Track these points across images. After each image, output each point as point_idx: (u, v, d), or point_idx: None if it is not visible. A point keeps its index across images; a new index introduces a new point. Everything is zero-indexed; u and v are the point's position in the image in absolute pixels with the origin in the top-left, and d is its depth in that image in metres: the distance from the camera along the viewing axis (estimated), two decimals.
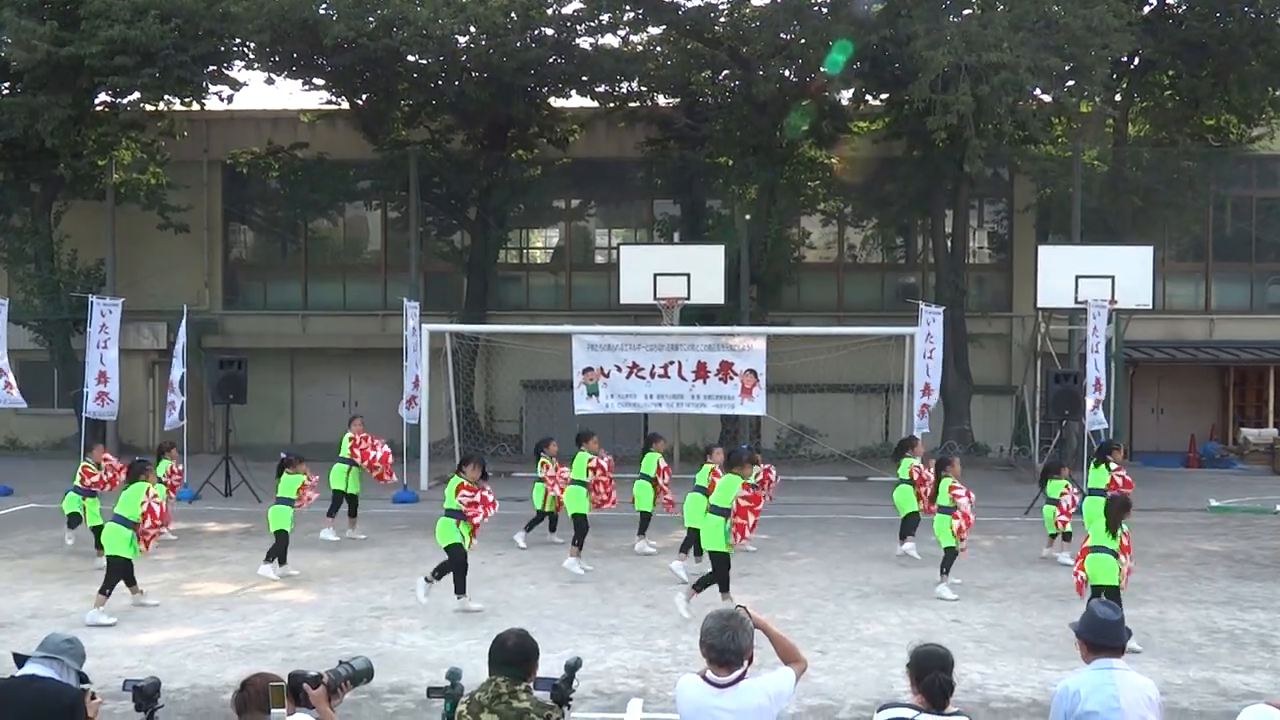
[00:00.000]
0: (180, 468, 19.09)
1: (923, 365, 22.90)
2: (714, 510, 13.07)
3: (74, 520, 16.48)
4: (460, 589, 13.08)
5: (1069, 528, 16.13)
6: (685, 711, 5.56)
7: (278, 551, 14.91)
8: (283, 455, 15.83)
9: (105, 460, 16.85)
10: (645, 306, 25.63)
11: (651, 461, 16.59)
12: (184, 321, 23.22)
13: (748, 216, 27.92)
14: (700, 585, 12.95)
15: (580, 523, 15.75)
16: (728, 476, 13.10)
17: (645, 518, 16.70)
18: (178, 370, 22.82)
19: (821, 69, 25.32)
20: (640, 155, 30.62)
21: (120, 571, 12.96)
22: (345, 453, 18.00)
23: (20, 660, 6.14)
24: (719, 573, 12.93)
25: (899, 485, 16.38)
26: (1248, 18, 26.08)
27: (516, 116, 29.36)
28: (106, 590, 12.79)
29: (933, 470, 15.35)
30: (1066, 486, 16.27)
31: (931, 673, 5.41)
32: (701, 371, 23.24)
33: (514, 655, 5.34)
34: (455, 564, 13.06)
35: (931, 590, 14.29)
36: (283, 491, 15.16)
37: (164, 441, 19.55)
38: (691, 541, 15.15)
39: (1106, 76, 25.04)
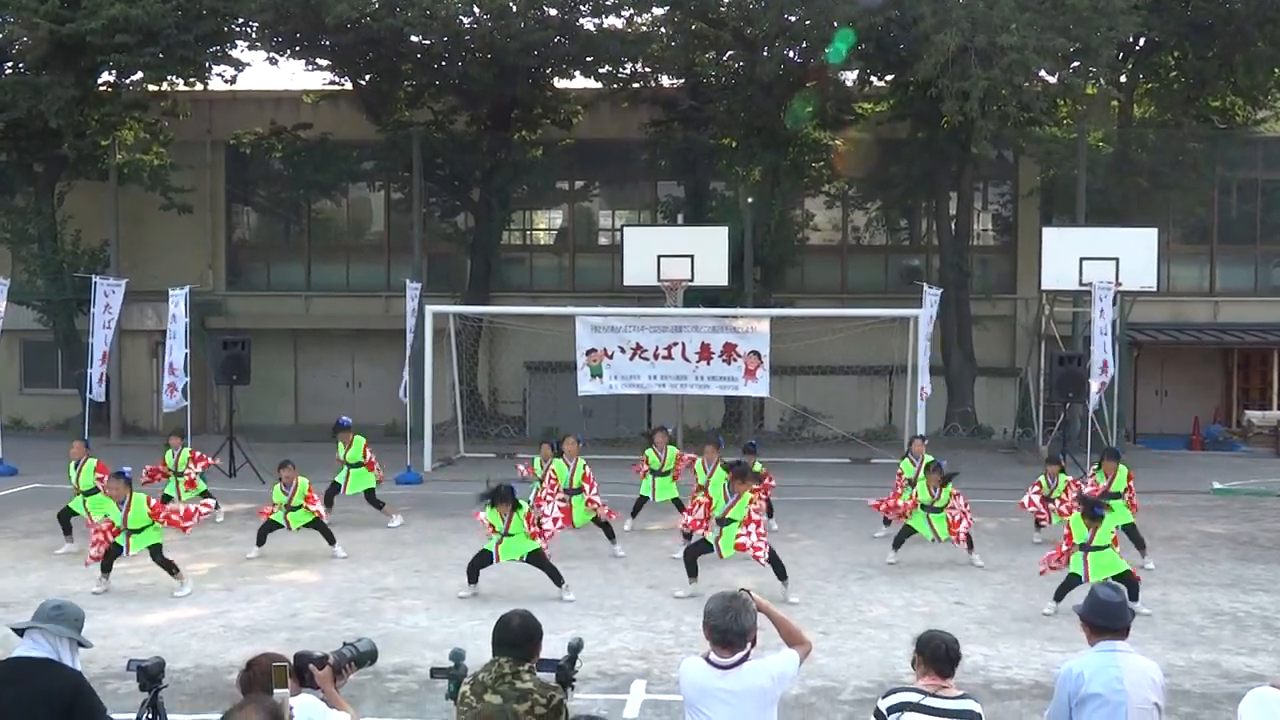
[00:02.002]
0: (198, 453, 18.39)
1: (924, 346, 22.89)
2: (726, 521, 13.02)
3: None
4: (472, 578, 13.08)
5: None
6: (688, 693, 5.58)
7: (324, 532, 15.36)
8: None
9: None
10: (649, 288, 25.60)
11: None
12: (185, 301, 23.17)
13: (751, 199, 27.86)
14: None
15: None
16: (744, 495, 13.01)
17: (640, 500, 17.13)
18: (180, 351, 22.82)
19: (825, 56, 25.22)
20: (644, 136, 30.51)
21: (162, 553, 13.34)
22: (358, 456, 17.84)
23: (19, 633, 5.87)
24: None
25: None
26: None
27: (520, 97, 29.28)
28: (174, 570, 13.27)
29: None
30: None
31: (936, 641, 5.48)
32: (705, 353, 23.19)
33: (518, 636, 5.35)
34: (547, 566, 13.03)
35: (934, 572, 14.35)
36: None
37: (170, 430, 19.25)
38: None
39: (1112, 58, 24.95)
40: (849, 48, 24.36)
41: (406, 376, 23.06)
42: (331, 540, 15.26)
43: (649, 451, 17.12)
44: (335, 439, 17.71)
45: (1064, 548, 12.40)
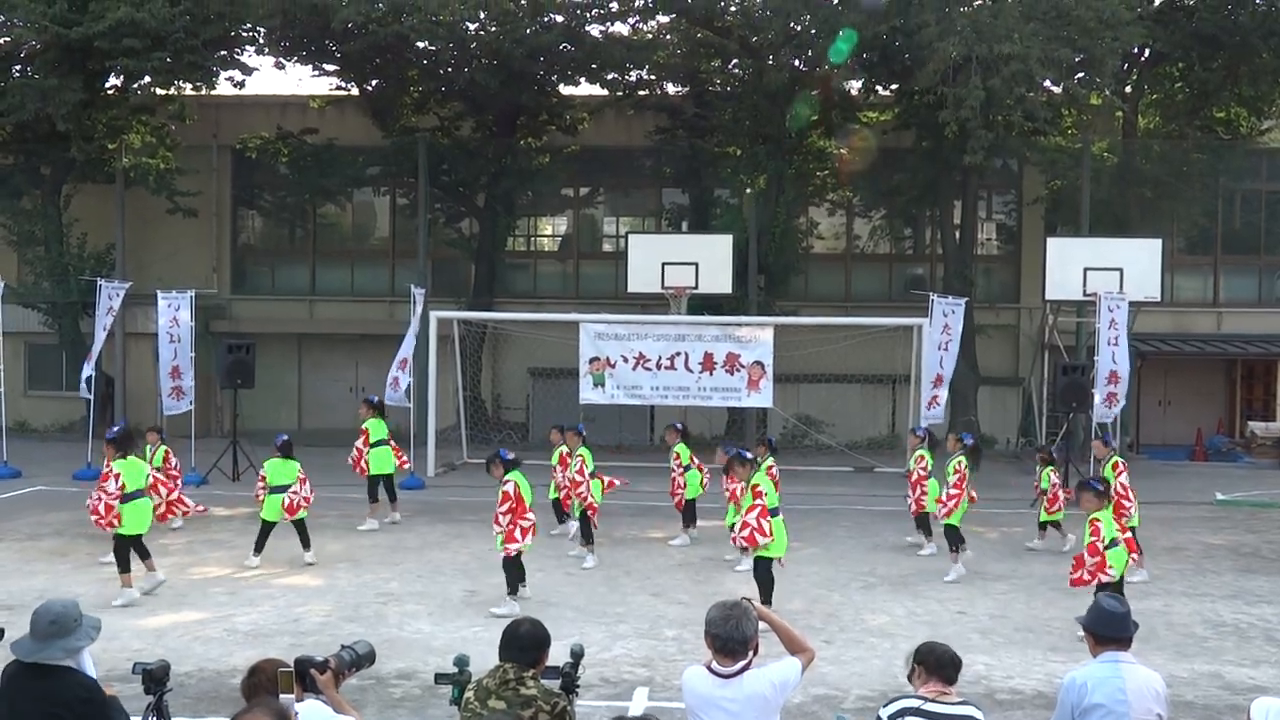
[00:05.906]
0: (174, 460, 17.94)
1: (937, 357, 22.77)
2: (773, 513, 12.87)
3: None
4: (510, 589, 12.92)
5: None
6: (690, 702, 5.59)
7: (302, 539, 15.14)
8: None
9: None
10: (653, 295, 25.64)
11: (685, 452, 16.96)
12: (190, 304, 23.19)
13: (756, 206, 27.89)
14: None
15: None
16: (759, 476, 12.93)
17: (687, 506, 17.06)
18: (185, 355, 22.83)
19: (828, 57, 25.25)
20: (649, 144, 30.59)
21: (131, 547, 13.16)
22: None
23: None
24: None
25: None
26: (1259, 10, 25.99)
27: (526, 104, 29.34)
28: (139, 564, 13.11)
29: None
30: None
31: (939, 650, 5.53)
32: (708, 363, 23.19)
33: (526, 641, 5.38)
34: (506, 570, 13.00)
35: (936, 580, 14.36)
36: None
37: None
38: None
39: (1117, 68, 24.96)
40: (850, 47, 24.35)
41: (402, 377, 22.87)
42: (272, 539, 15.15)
43: (679, 447, 16.99)
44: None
45: (1097, 548, 11.39)
